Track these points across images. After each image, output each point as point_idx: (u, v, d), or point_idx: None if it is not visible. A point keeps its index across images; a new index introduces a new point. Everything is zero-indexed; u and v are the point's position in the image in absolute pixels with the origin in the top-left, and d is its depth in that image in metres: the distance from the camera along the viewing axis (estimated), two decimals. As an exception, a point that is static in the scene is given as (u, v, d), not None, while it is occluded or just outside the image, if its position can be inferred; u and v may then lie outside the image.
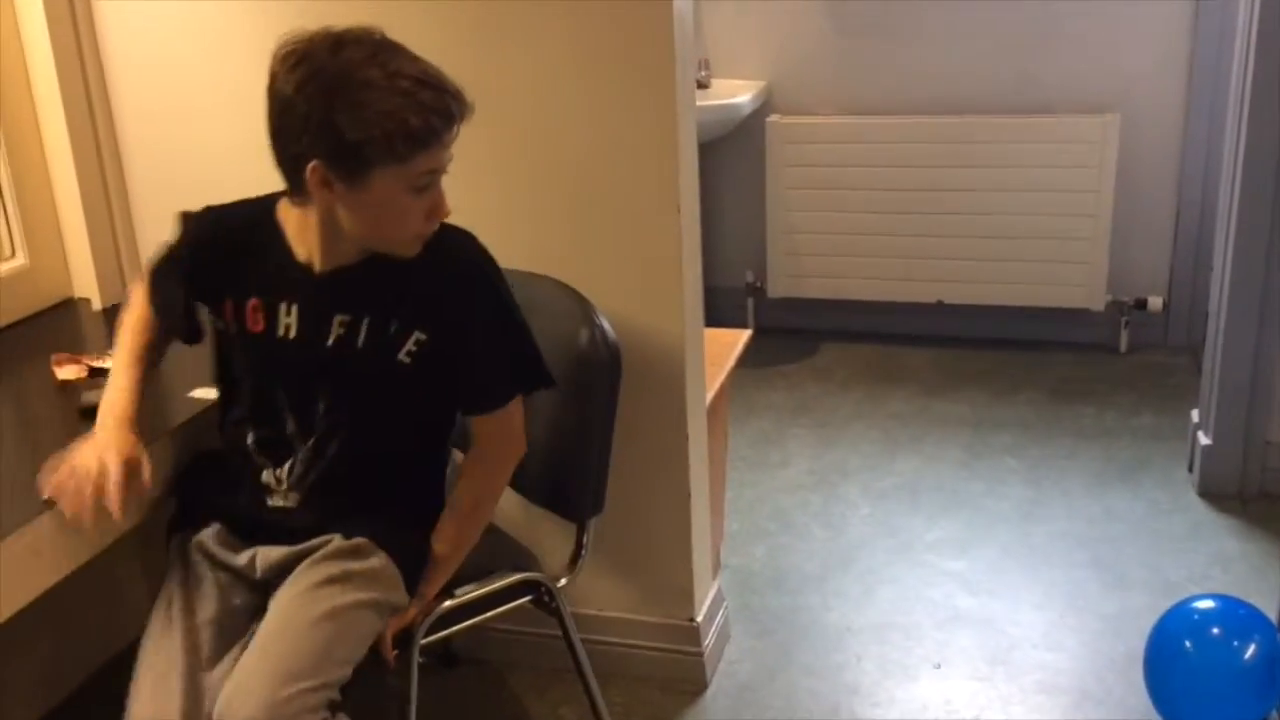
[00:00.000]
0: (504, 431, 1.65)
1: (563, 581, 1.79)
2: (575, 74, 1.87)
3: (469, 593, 1.68)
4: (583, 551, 1.79)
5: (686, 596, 2.12)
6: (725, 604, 2.30)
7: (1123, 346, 3.57)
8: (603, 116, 1.88)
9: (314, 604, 1.49)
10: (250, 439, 1.63)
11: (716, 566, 2.36)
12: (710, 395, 2.18)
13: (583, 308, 1.76)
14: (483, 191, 1.97)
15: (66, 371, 1.83)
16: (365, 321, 1.55)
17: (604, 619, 2.15)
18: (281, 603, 1.51)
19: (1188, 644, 1.93)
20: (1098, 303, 3.49)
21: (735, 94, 3.53)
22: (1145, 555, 2.52)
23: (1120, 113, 3.37)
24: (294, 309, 1.57)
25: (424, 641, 1.63)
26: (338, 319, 1.56)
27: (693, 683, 2.16)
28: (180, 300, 1.65)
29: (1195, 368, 2.98)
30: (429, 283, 1.56)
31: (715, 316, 3.80)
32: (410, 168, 1.43)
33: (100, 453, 1.48)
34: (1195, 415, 2.83)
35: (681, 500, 2.06)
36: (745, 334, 2.48)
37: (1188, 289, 3.50)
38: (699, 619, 2.14)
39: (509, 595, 1.74)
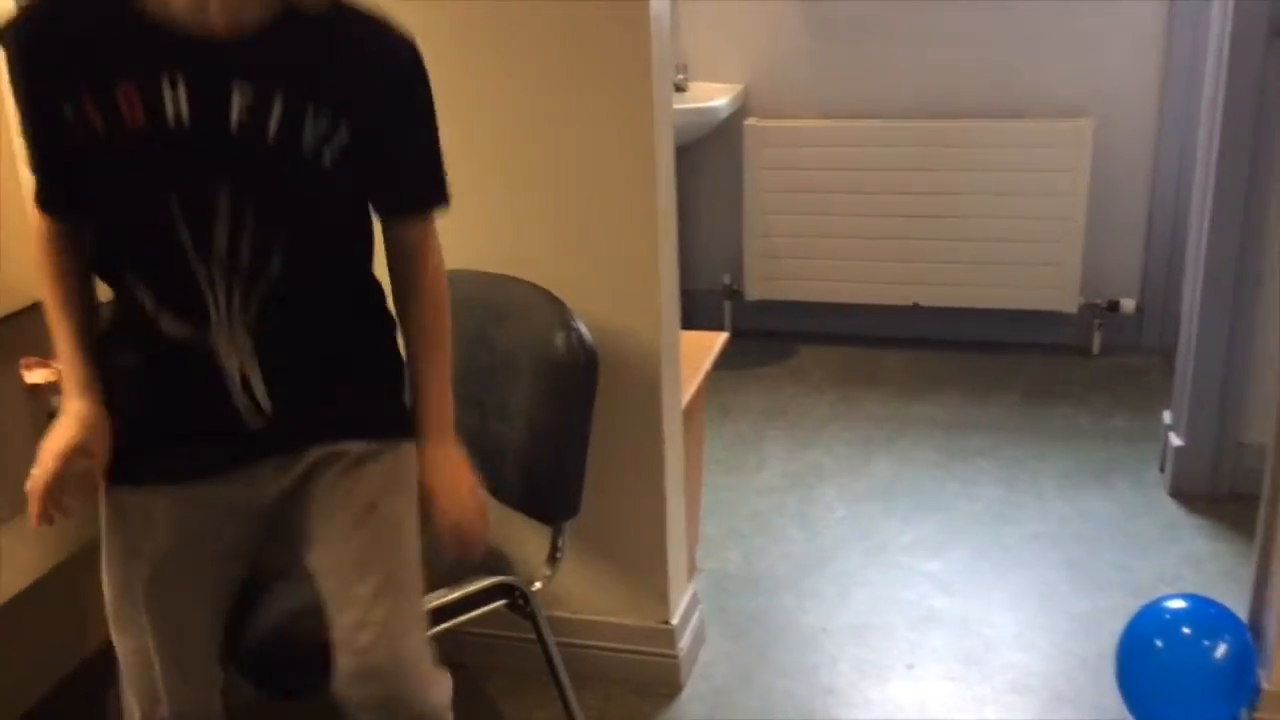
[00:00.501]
0: (433, 239, 1.47)
1: (537, 585, 1.78)
2: (552, 77, 1.87)
3: (441, 597, 1.67)
4: (558, 554, 1.79)
5: (662, 599, 2.12)
6: (700, 606, 2.30)
7: (1095, 348, 3.60)
8: (579, 119, 1.88)
9: (382, 536, 1.41)
10: (149, 303, 1.32)
11: (692, 569, 2.36)
12: (686, 398, 2.18)
13: (559, 311, 1.76)
14: (458, 195, 1.97)
15: (35, 375, 1.81)
16: (278, 100, 1.24)
17: (579, 622, 2.15)
18: (349, 545, 1.40)
19: (1159, 643, 1.95)
20: (1071, 305, 3.52)
21: (713, 97, 3.54)
22: (1117, 556, 2.54)
23: (1094, 116, 3.40)
24: (181, 85, 1.22)
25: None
26: (239, 90, 1.23)
27: (668, 685, 2.16)
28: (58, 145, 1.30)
29: (1168, 370, 3.01)
30: (354, 57, 1.30)
31: (692, 319, 3.82)
32: None
33: (52, 434, 1.33)
34: (1167, 417, 2.86)
35: (657, 503, 2.06)
36: (721, 337, 2.49)
37: (1160, 291, 3.54)
38: (674, 622, 2.14)
39: (483, 599, 1.73)
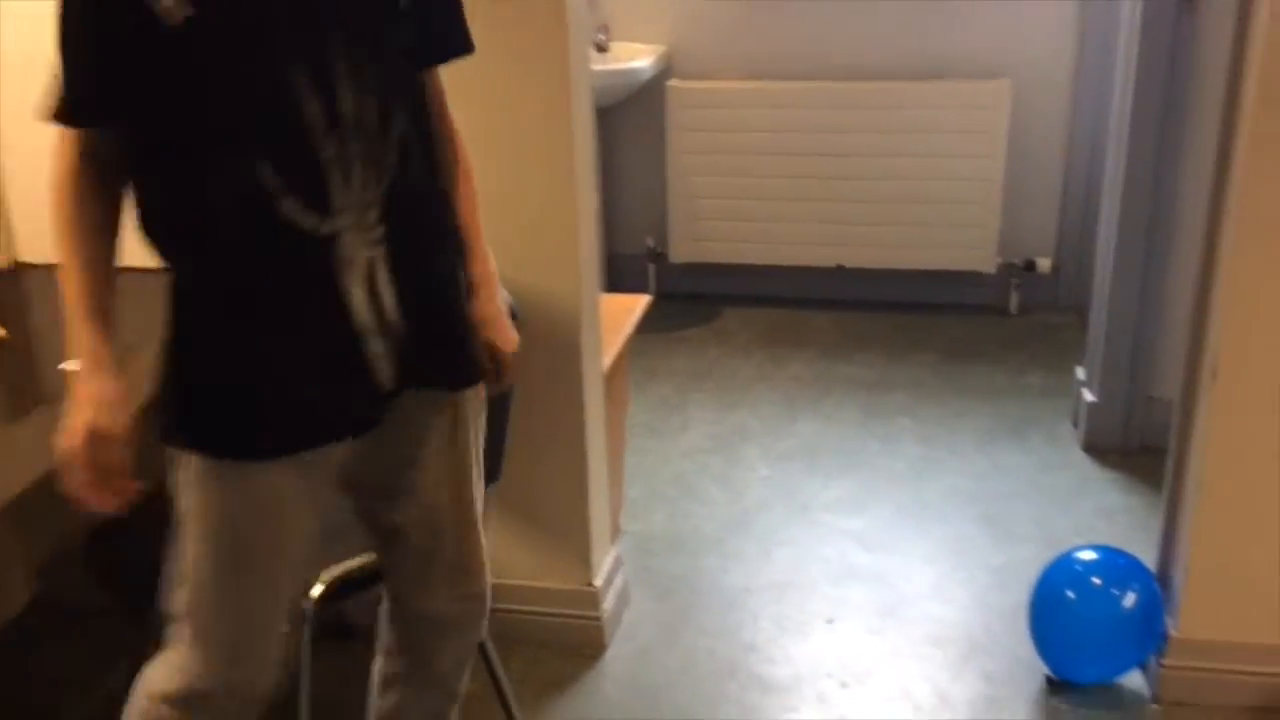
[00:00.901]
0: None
1: (458, 550, 1.77)
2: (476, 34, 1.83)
3: (361, 562, 1.65)
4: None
5: (585, 562, 2.12)
6: (624, 568, 2.31)
7: (1013, 308, 3.67)
8: (494, 80, 1.85)
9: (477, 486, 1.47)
10: (271, 193, 1.18)
11: (616, 532, 2.37)
12: (608, 361, 2.17)
13: (475, 273, 1.74)
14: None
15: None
16: None
17: (502, 586, 2.13)
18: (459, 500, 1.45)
19: (1070, 594, 2.00)
20: (989, 265, 3.57)
21: (635, 58, 3.51)
22: (1032, 509, 2.60)
23: (1012, 78, 3.44)
24: None
25: (317, 613, 1.60)
26: None
27: (592, 647, 2.16)
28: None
29: (1082, 327, 3.08)
30: None
31: (616, 282, 3.84)
32: None
33: (70, 423, 1.20)
34: (1081, 373, 2.92)
35: (579, 467, 2.06)
36: (644, 299, 2.48)
37: (1075, 251, 3.60)
38: (598, 584, 2.14)
39: (404, 565, 1.72)
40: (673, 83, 3.62)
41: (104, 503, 1.23)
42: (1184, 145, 2.57)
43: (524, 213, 1.91)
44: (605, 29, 3.62)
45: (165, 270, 1.26)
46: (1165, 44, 2.52)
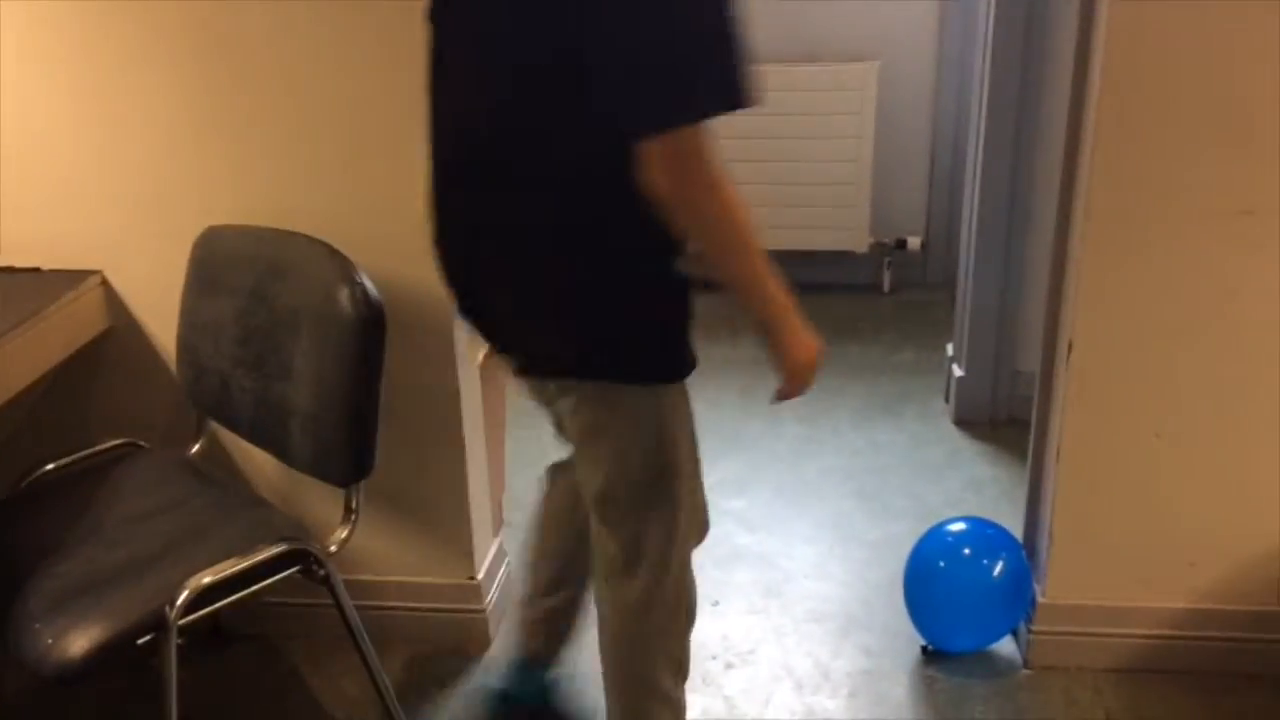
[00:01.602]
0: None
1: (332, 549, 1.73)
2: (325, 19, 1.78)
3: (229, 567, 1.60)
4: (351, 517, 1.73)
5: (466, 555, 2.10)
6: (508, 560, 2.29)
7: (886, 286, 3.75)
8: (356, 63, 1.80)
9: None
10: None
11: (498, 523, 2.34)
12: (484, 349, 2.14)
13: (341, 265, 1.69)
14: (229, 144, 1.86)
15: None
16: None
17: (382, 584, 2.10)
18: None
19: (941, 564, 2.05)
20: (862, 245, 3.64)
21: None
22: (907, 484, 2.66)
23: (879, 60, 3.50)
24: None
25: (185, 622, 1.54)
26: None
27: (477, 641, 2.14)
28: None
29: (952, 304, 3.16)
30: None
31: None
32: None
33: (808, 344, 1.56)
34: (950, 349, 3.00)
35: (456, 457, 2.03)
36: (519, 286, 2.45)
37: (943, 229, 3.70)
38: (480, 577, 2.12)
39: (275, 567, 1.66)
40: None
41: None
42: (1039, 126, 2.66)
43: (390, 201, 1.87)
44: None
45: (594, 234, 1.41)
46: (1020, 28, 2.60)
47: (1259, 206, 1.74)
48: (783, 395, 1.60)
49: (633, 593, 1.64)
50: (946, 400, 3.00)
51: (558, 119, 1.34)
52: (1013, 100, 2.65)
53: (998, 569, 2.01)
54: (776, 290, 1.48)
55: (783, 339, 1.53)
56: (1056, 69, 2.55)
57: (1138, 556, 1.96)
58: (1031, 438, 2.07)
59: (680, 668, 1.72)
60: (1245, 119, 1.70)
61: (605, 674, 1.72)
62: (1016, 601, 2.04)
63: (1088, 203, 1.78)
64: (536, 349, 1.55)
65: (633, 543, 1.63)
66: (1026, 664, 2.06)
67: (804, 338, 1.53)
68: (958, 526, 2.09)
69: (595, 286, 1.46)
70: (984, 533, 2.07)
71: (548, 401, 1.66)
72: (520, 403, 2.97)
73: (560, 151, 1.36)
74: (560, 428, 1.70)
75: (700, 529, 1.75)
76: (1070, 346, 1.86)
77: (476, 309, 1.60)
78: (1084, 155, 1.80)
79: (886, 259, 3.72)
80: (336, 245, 1.73)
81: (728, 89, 1.31)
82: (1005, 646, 2.11)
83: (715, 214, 1.37)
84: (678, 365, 1.60)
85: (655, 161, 1.29)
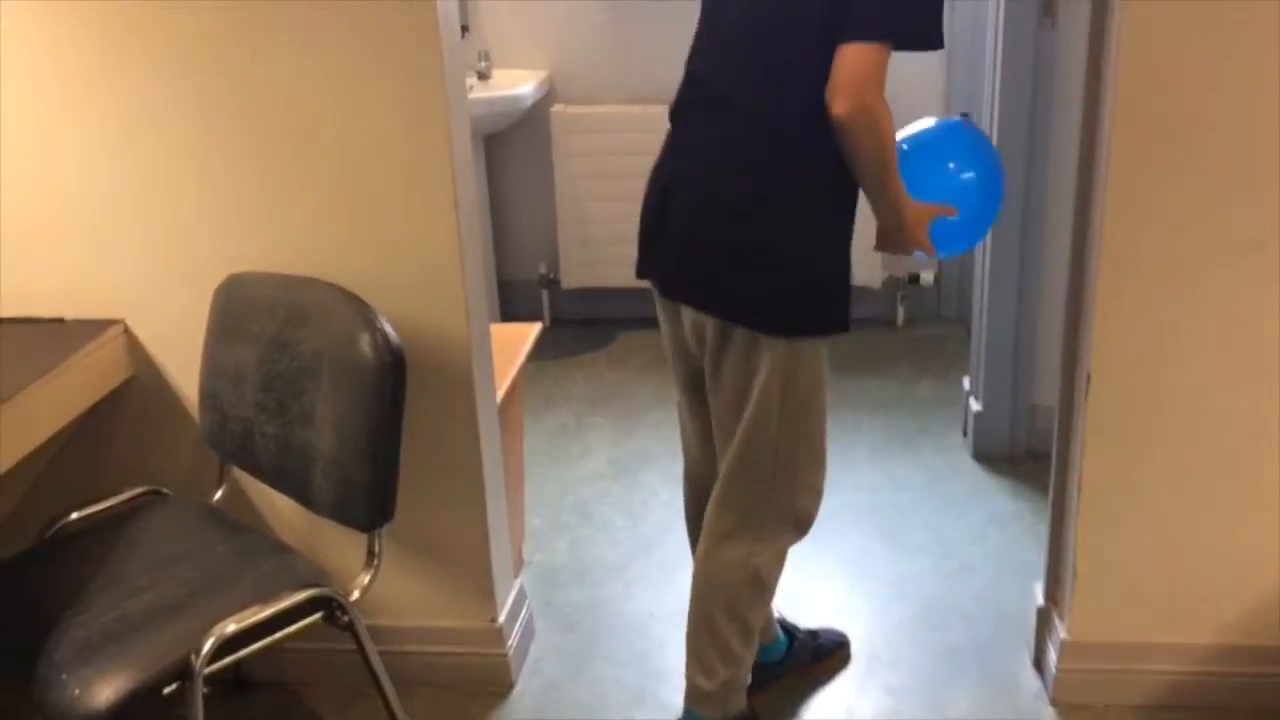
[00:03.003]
0: None
1: (355, 595, 1.73)
2: (341, 70, 1.80)
3: (254, 615, 1.60)
4: (375, 562, 1.74)
5: (488, 598, 2.09)
6: (528, 602, 2.28)
7: (900, 320, 3.75)
8: (371, 112, 1.82)
9: None
10: None
11: (518, 565, 2.34)
12: (501, 392, 2.15)
13: (362, 311, 1.71)
14: (249, 192, 1.89)
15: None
16: None
17: (404, 629, 2.10)
18: None
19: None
20: (875, 280, 3.64)
21: (517, 84, 3.51)
22: (927, 519, 2.65)
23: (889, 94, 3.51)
24: None
25: (209, 670, 1.54)
26: None
27: (498, 684, 2.13)
28: None
29: (967, 337, 3.16)
30: None
31: (511, 310, 3.81)
32: None
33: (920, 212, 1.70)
34: (967, 383, 3.00)
35: (477, 501, 2.03)
36: (535, 327, 2.46)
37: (957, 263, 3.70)
38: (501, 619, 2.11)
39: (298, 614, 1.67)
40: (557, 108, 3.63)
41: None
42: (1050, 158, 2.67)
43: (407, 246, 1.89)
44: (487, 56, 3.60)
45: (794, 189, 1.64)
46: (1028, 57, 2.62)
47: (1270, 239, 1.75)
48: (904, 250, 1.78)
49: (734, 559, 1.80)
50: (965, 434, 2.99)
51: (793, 68, 1.58)
52: (1023, 134, 2.67)
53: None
54: (898, 191, 1.66)
55: (907, 231, 1.71)
56: (1066, 103, 2.57)
57: (1162, 592, 1.95)
58: (1052, 473, 2.06)
59: (751, 635, 1.86)
60: (1256, 154, 1.71)
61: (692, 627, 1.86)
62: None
63: (1103, 236, 1.79)
64: (730, 290, 1.69)
65: (756, 514, 1.80)
66: (1053, 701, 2.04)
67: (920, 223, 1.72)
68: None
69: (801, 231, 1.66)
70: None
71: (710, 350, 1.75)
72: (537, 444, 2.99)
73: (791, 100, 1.60)
74: (709, 382, 1.79)
75: (805, 519, 1.87)
76: (1089, 380, 1.86)
77: (667, 248, 1.76)
78: (1098, 189, 1.81)
79: (900, 293, 3.72)
80: (357, 291, 1.75)
81: (925, 35, 1.59)
82: (1031, 683, 2.09)
83: (878, 136, 1.57)
84: (843, 317, 1.74)
85: (846, 75, 1.52)
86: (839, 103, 1.53)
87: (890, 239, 1.74)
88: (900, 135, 1.78)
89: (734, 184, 1.66)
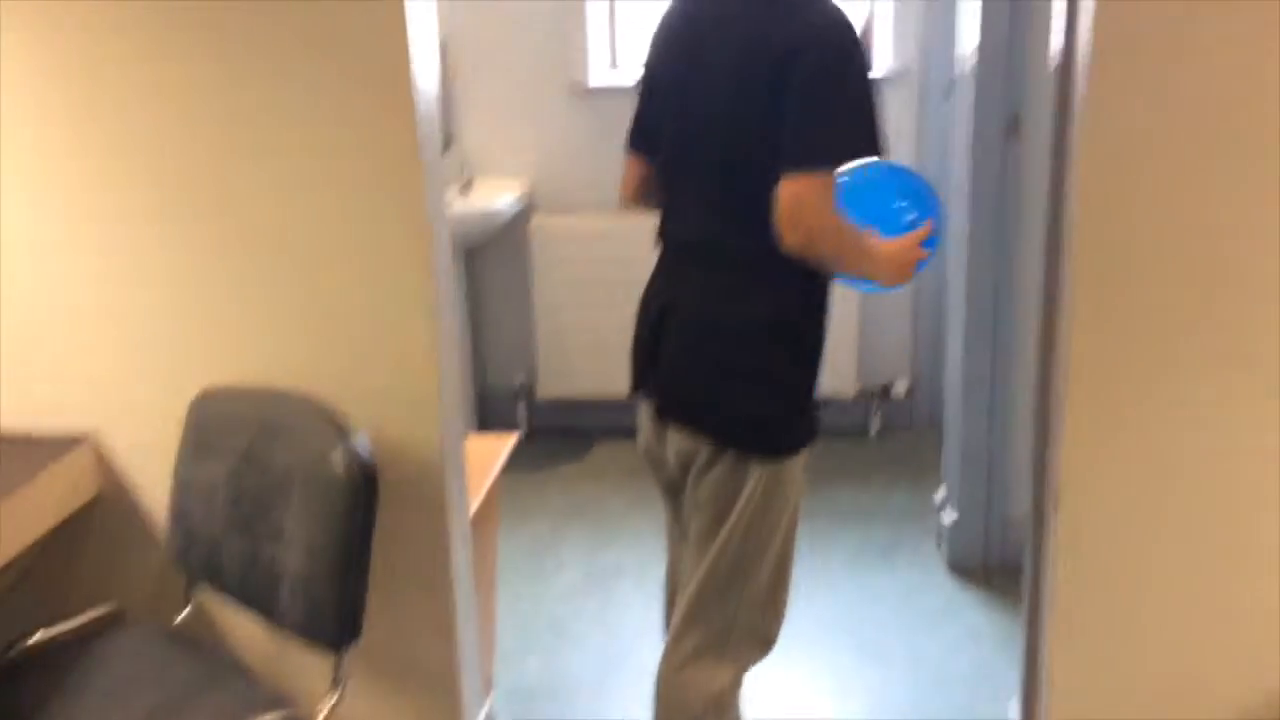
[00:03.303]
0: None
1: (320, 717, 1.69)
2: (319, 185, 1.83)
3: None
4: (340, 684, 1.70)
5: (455, 719, 2.05)
6: (499, 721, 2.24)
7: (874, 430, 3.77)
8: (349, 225, 1.85)
9: None
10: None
11: (488, 685, 2.30)
12: (475, 506, 2.14)
13: (334, 425, 1.70)
14: (224, 305, 1.90)
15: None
16: None
17: (370, 750, 2.05)
18: None
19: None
20: (849, 390, 3.67)
21: (497, 197, 3.57)
22: (902, 634, 2.63)
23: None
24: None
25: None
26: None
27: (467, 808, 2.07)
28: None
29: (941, 447, 3.17)
30: None
31: (488, 420, 3.82)
32: None
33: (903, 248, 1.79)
34: (941, 493, 3.00)
35: (447, 620, 2.00)
36: (511, 439, 2.46)
37: (929, 372, 3.74)
38: (470, 740, 2.07)
39: (261, 737, 1.63)
40: (536, 220, 3.69)
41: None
42: (1019, 267, 2.72)
43: (382, 358, 1.89)
44: (468, 168, 3.67)
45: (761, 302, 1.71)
46: (995, 170, 2.69)
47: (1239, 354, 1.78)
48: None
49: (698, 682, 1.78)
50: (939, 546, 2.98)
51: (757, 200, 1.62)
52: (990, 244, 2.73)
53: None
54: (871, 262, 1.75)
55: (880, 275, 1.80)
56: (1034, 212, 2.63)
57: (1139, 705, 1.93)
58: (1025, 587, 2.06)
59: None
60: (1222, 270, 1.75)
61: None
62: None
63: (1070, 348, 1.81)
64: (726, 415, 1.74)
65: (723, 632, 1.78)
66: (1034, 823, 2.00)
67: (891, 263, 1.79)
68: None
69: (790, 357, 1.73)
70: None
71: (697, 469, 1.78)
72: (511, 558, 2.96)
73: (760, 232, 1.62)
74: (689, 498, 1.83)
75: (771, 639, 1.86)
76: (1059, 493, 1.87)
77: (663, 371, 1.82)
78: (1063, 300, 1.84)
79: (874, 403, 3.75)
80: (333, 403, 1.75)
81: (863, 154, 1.65)
82: (1011, 804, 2.05)
83: (836, 251, 1.65)
84: (817, 423, 1.81)
85: (789, 208, 1.57)
86: (788, 236, 1.59)
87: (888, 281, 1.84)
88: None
89: (725, 314, 1.72)
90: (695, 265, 1.78)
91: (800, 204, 1.58)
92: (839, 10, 1.62)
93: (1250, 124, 1.67)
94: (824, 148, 1.60)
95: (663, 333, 1.80)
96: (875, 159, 1.89)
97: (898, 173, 1.97)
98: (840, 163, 1.63)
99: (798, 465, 1.78)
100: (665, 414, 1.82)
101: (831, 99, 1.60)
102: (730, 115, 1.67)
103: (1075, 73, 1.72)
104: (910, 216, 1.91)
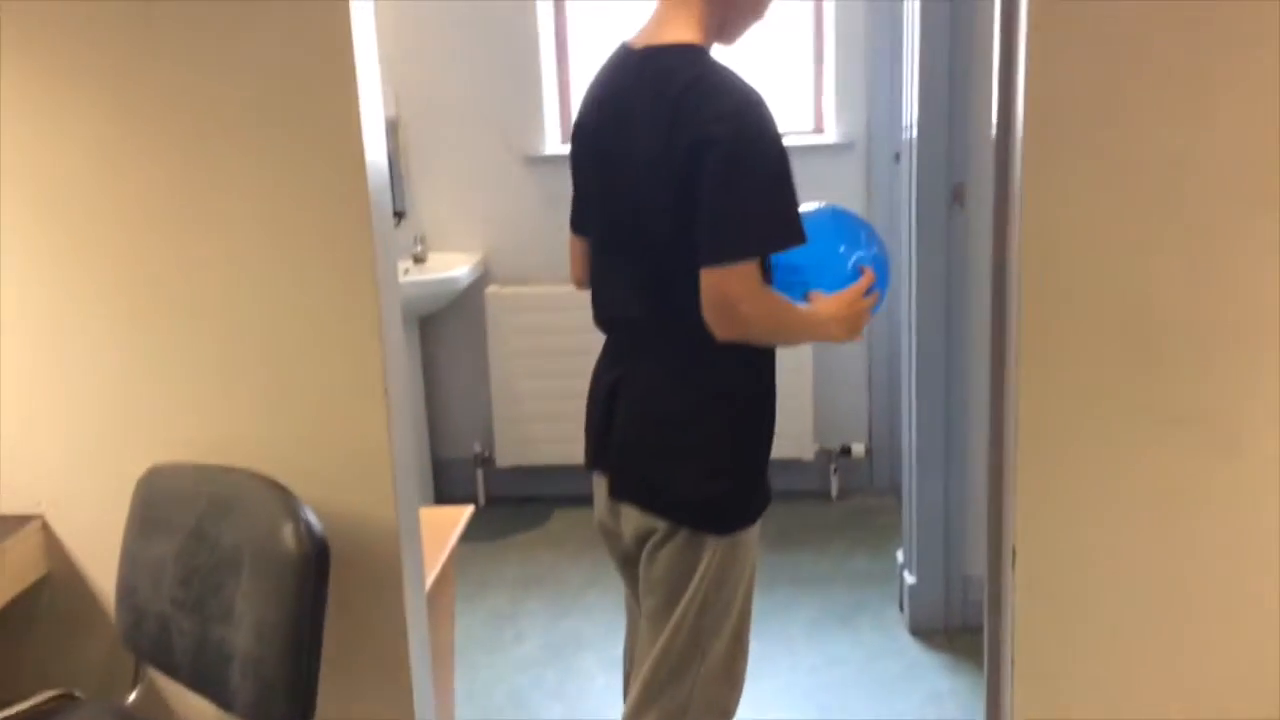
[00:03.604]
0: None
1: (271, 801, 1.64)
2: (268, 259, 1.83)
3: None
4: (292, 765, 1.66)
5: (413, 799, 2.00)
6: (458, 799, 2.19)
7: (834, 492, 3.78)
8: (299, 299, 1.84)
9: None
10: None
11: (447, 759, 2.25)
12: (431, 579, 2.11)
13: (285, 500, 1.68)
14: (173, 382, 1.88)
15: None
16: None
17: (324, 834, 1.99)
18: None
19: None
20: (807, 452, 3.69)
21: (452, 267, 3.58)
22: (866, 701, 2.61)
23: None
24: None
25: None
26: None
27: None
28: None
29: (900, 509, 3.18)
30: None
31: (445, 490, 3.79)
32: None
33: (851, 307, 1.77)
34: (901, 555, 3.01)
35: (402, 695, 1.96)
36: (466, 510, 2.44)
37: (886, 434, 3.77)
38: (428, 822, 2.02)
39: (209, 824, 1.58)
40: (491, 289, 3.70)
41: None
42: (966, 329, 2.76)
43: (333, 432, 1.87)
44: (422, 240, 3.69)
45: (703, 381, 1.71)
46: (940, 240, 2.74)
47: (1183, 409, 1.80)
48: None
49: None
50: (901, 609, 2.98)
51: (684, 286, 1.62)
52: (940, 307, 2.77)
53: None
54: (815, 328, 1.76)
55: (826, 339, 1.79)
56: (980, 277, 2.68)
57: (1103, 768, 1.92)
58: (985, 649, 2.05)
59: None
60: (1161, 331, 1.78)
61: None
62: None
63: (1017, 409, 1.83)
64: (677, 496, 1.73)
65: (680, 710, 1.75)
66: None
67: (838, 322, 1.77)
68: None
69: (736, 435, 1.73)
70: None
71: (651, 545, 1.76)
72: (469, 630, 2.91)
73: (692, 319, 1.62)
74: (643, 574, 1.80)
75: (729, 713, 1.82)
76: (1014, 552, 1.88)
77: (613, 451, 1.81)
78: (1009, 365, 1.86)
79: (833, 465, 3.76)
80: (283, 478, 1.73)
81: (781, 241, 1.62)
82: None
83: (768, 333, 1.68)
84: (768, 493, 1.81)
85: (712, 299, 1.58)
86: (716, 328, 1.60)
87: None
88: None
89: (669, 397, 1.72)
90: (637, 346, 1.78)
91: (723, 296, 1.58)
92: (748, 91, 1.60)
93: (1183, 183, 1.72)
94: (740, 239, 1.58)
95: (612, 414, 1.80)
96: (818, 204, 1.93)
97: (839, 216, 1.96)
98: (759, 251, 1.62)
99: (753, 533, 1.78)
100: (618, 495, 1.81)
101: (744, 189, 1.58)
102: (651, 204, 1.66)
103: (1013, 142, 1.76)
104: (852, 260, 1.89)
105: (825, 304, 1.77)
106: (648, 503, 1.75)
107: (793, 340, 1.78)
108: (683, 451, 1.72)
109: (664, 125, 1.60)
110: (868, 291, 1.84)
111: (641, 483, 1.77)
